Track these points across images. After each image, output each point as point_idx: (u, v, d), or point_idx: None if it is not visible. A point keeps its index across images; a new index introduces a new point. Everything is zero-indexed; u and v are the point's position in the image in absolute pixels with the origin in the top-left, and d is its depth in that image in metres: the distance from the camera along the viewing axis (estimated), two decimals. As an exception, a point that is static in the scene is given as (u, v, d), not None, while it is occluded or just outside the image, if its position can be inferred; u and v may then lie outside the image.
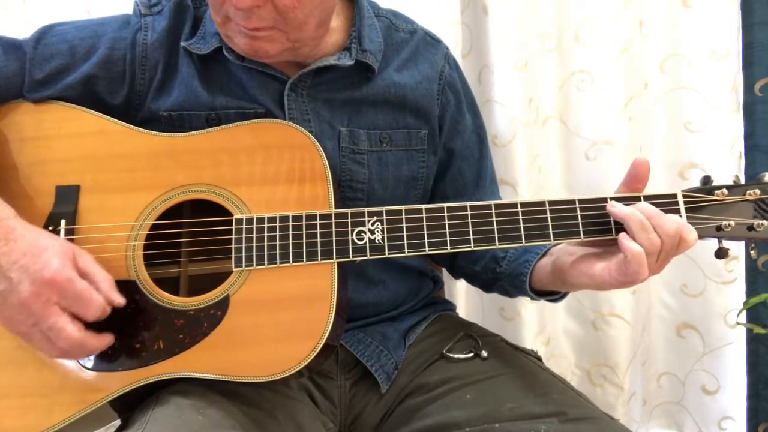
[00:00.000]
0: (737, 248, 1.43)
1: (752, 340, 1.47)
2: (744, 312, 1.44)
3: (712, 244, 0.77)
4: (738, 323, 1.44)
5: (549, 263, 0.84)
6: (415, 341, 0.95)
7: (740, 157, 1.40)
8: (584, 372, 1.55)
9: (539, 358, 0.93)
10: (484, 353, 0.89)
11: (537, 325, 1.48)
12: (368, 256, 0.76)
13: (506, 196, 1.34)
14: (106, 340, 0.73)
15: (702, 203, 0.75)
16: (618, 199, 0.75)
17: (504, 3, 1.35)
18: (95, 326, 0.71)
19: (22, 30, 0.89)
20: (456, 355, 0.90)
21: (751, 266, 1.45)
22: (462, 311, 1.47)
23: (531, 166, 1.44)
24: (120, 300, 0.73)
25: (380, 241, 0.77)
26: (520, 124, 1.39)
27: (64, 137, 0.83)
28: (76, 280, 0.69)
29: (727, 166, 1.40)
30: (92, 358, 0.74)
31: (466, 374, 0.86)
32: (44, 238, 0.71)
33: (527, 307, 1.46)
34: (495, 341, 0.95)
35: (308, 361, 0.71)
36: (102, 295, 0.71)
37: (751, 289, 1.44)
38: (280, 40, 0.79)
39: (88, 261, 0.72)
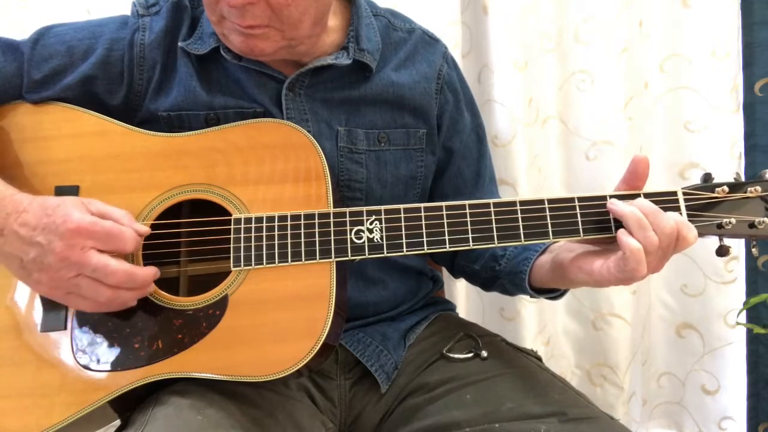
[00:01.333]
0: (737, 248, 1.43)
1: (752, 340, 1.47)
2: (744, 312, 1.44)
3: (712, 244, 0.77)
4: (738, 323, 1.44)
5: (548, 260, 0.84)
6: (415, 341, 0.95)
7: (740, 157, 1.40)
8: (584, 372, 1.55)
9: (539, 358, 0.93)
10: (484, 353, 0.89)
11: (537, 325, 1.48)
12: (367, 256, 0.76)
13: (506, 196, 1.34)
14: (152, 270, 0.74)
15: (702, 201, 0.75)
16: (618, 197, 0.75)
17: (504, 3, 1.35)
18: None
19: (22, 30, 0.89)
20: (456, 355, 0.90)
21: (751, 266, 1.45)
22: (462, 311, 1.47)
23: (531, 166, 1.44)
24: (145, 228, 0.75)
25: (379, 240, 0.77)
26: (520, 124, 1.39)
27: (64, 138, 0.83)
28: (99, 221, 0.70)
29: (727, 166, 1.40)
30: (91, 357, 0.74)
31: (466, 374, 0.86)
32: (51, 199, 0.72)
33: (527, 307, 1.46)
34: (495, 341, 0.95)
35: (307, 360, 0.71)
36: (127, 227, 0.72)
37: (751, 289, 1.44)
38: (276, 38, 0.79)
39: (100, 204, 0.74)
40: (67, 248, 0.68)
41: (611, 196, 0.76)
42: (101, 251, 0.70)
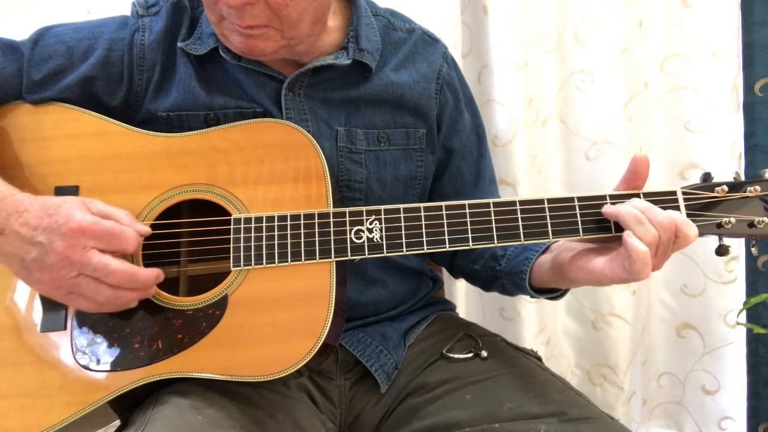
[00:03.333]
0: (738, 248, 1.43)
1: (752, 340, 1.47)
2: (744, 312, 1.44)
3: (712, 244, 0.77)
4: (738, 323, 1.44)
5: (548, 260, 0.84)
6: (415, 341, 0.95)
7: (740, 157, 1.40)
8: (584, 372, 1.55)
9: (539, 358, 0.93)
10: (484, 353, 0.89)
11: (537, 325, 1.48)
12: (366, 255, 0.76)
13: (506, 197, 1.34)
14: (155, 272, 0.74)
15: (702, 200, 0.75)
16: (617, 197, 0.75)
17: (504, 3, 1.36)
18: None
19: (22, 30, 0.89)
20: (456, 355, 0.90)
21: (751, 266, 1.45)
22: (462, 311, 1.47)
23: (531, 166, 1.44)
24: (146, 228, 0.75)
25: (378, 239, 0.77)
26: (520, 124, 1.39)
27: (63, 138, 0.83)
28: (101, 221, 0.70)
29: (727, 166, 1.40)
30: (91, 357, 0.74)
31: (466, 374, 0.86)
32: (52, 198, 0.72)
33: (527, 307, 1.46)
34: (495, 341, 0.95)
35: (307, 360, 0.71)
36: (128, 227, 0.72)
37: (751, 289, 1.45)
38: (275, 38, 0.79)
39: (101, 204, 0.73)
40: (68, 248, 0.68)
41: (611, 196, 0.76)
42: (103, 251, 0.70)
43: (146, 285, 0.73)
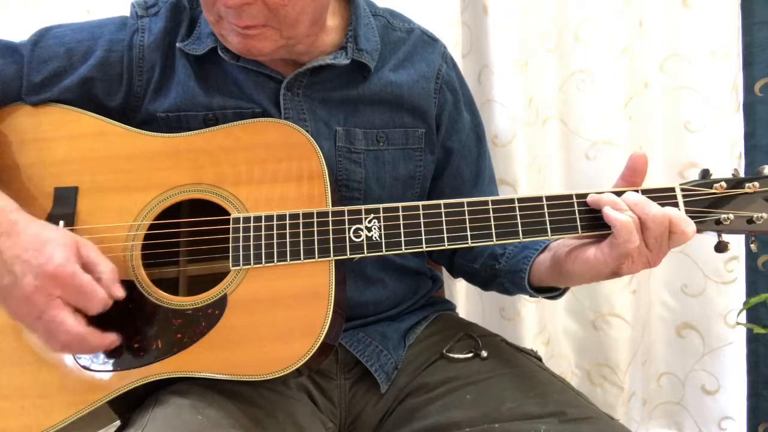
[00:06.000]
0: (738, 249, 1.43)
1: (752, 340, 1.47)
2: (744, 312, 1.44)
3: (712, 243, 0.77)
4: (738, 323, 1.44)
5: (548, 258, 0.84)
6: (415, 341, 0.95)
7: (740, 157, 1.40)
8: (584, 372, 1.55)
9: (539, 358, 0.93)
10: (484, 353, 0.89)
11: (537, 325, 1.48)
12: (366, 254, 0.76)
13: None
14: (108, 339, 0.72)
15: (700, 197, 0.75)
16: (616, 194, 0.75)
17: (504, 3, 1.36)
18: (99, 325, 0.72)
19: (22, 31, 0.89)
20: (456, 355, 0.90)
21: (751, 266, 1.45)
22: (462, 311, 1.47)
23: (531, 166, 1.44)
24: (121, 293, 0.73)
25: (377, 238, 0.77)
26: (520, 124, 1.39)
27: (63, 139, 0.83)
28: (78, 273, 0.69)
29: (727, 166, 1.39)
30: (91, 357, 0.74)
31: (466, 374, 0.86)
32: (47, 231, 0.71)
33: (527, 307, 1.46)
34: (495, 341, 0.95)
35: (306, 359, 0.71)
36: (104, 287, 0.71)
37: (751, 289, 1.45)
38: (274, 37, 0.79)
39: (92, 251, 0.72)
40: (35, 289, 0.67)
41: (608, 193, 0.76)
42: (67, 302, 0.69)
43: (96, 350, 0.73)
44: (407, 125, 0.93)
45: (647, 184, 0.77)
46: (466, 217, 0.76)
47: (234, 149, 0.81)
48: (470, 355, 0.90)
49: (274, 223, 0.77)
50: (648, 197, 0.73)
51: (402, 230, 0.77)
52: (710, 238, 0.77)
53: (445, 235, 0.76)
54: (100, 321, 0.75)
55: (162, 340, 0.74)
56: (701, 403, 1.54)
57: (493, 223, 0.76)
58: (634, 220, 0.70)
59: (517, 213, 0.76)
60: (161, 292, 0.77)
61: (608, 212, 0.71)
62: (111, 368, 0.74)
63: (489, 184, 1.04)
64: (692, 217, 0.73)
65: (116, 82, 0.87)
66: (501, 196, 0.78)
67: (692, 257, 1.46)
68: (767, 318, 1.44)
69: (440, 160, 0.99)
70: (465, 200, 0.77)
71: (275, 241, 0.76)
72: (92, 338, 0.70)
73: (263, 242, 0.76)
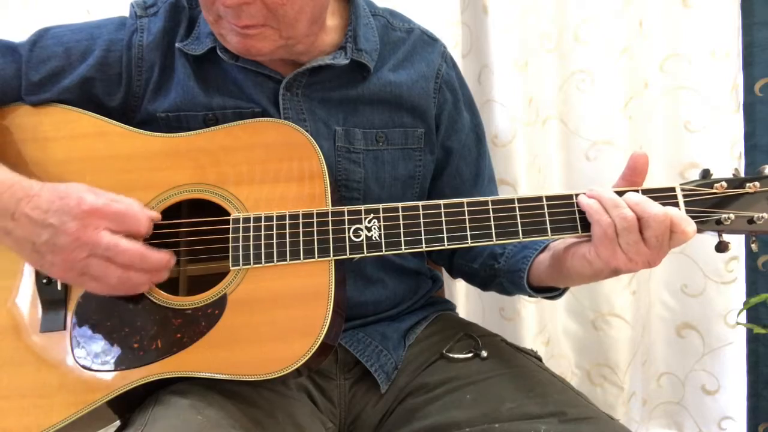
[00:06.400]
0: (737, 249, 1.43)
1: (752, 340, 1.47)
2: (744, 312, 1.44)
3: (712, 243, 0.77)
4: (738, 323, 1.44)
5: (547, 257, 0.84)
6: (415, 341, 0.95)
7: (740, 157, 1.40)
8: (584, 372, 1.55)
9: (539, 358, 0.93)
10: (484, 353, 0.89)
11: (537, 325, 1.48)
12: (365, 254, 0.76)
13: (506, 196, 1.35)
14: (166, 255, 0.74)
15: (701, 196, 0.75)
16: (616, 194, 0.75)
17: (504, 3, 1.36)
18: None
19: (22, 30, 0.89)
20: (456, 355, 0.90)
21: (751, 266, 1.45)
22: (462, 311, 1.47)
23: (531, 166, 1.44)
24: (155, 214, 0.76)
25: (377, 238, 0.77)
26: (520, 124, 1.39)
27: (63, 139, 0.83)
28: (113, 203, 0.71)
29: (727, 166, 1.39)
30: (90, 357, 0.74)
31: (466, 374, 0.86)
32: (61, 184, 0.73)
33: (527, 307, 1.46)
34: (495, 341, 0.95)
35: (306, 359, 0.71)
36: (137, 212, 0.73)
37: (751, 289, 1.44)
38: (273, 37, 0.79)
39: (108, 193, 0.74)
40: (80, 228, 0.68)
41: None
42: (114, 232, 0.70)
43: (157, 267, 0.74)
44: (407, 125, 0.93)
45: (647, 184, 0.77)
46: (466, 217, 0.76)
47: (234, 149, 0.81)
48: (470, 355, 0.90)
49: (274, 223, 0.77)
50: (648, 197, 0.73)
51: (402, 230, 0.77)
52: (710, 238, 0.77)
53: (445, 235, 0.76)
54: (100, 321, 0.75)
55: (162, 340, 0.74)
56: (701, 403, 1.54)
57: (493, 223, 0.76)
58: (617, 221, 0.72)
59: (517, 213, 0.76)
60: (161, 291, 0.77)
61: (580, 200, 0.74)
62: (111, 368, 0.74)
63: (489, 184, 1.04)
64: (693, 217, 0.73)
65: (115, 82, 0.87)
66: (501, 196, 0.78)
67: (692, 257, 1.47)
68: (767, 318, 1.44)
69: (440, 160, 0.99)
70: (465, 200, 0.77)
71: (275, 241, 0.76)
72: (152, 254, 0.72)
73: (263, 242, 0.76)
